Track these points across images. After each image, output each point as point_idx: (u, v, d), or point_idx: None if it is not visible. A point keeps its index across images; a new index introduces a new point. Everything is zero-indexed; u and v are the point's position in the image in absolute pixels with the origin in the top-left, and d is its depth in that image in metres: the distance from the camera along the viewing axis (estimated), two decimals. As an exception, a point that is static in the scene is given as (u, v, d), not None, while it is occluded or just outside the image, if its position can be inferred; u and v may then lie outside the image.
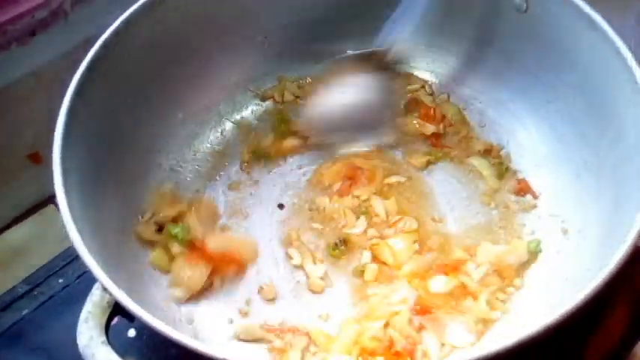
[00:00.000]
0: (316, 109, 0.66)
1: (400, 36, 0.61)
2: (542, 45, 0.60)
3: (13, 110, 0.72)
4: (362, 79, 0.64)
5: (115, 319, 0.49)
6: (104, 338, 0.45)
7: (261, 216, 0.65)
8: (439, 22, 0.66)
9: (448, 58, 0.69)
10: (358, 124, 0.65)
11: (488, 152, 0.66)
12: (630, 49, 0.52)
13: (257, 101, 0.72)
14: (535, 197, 0.62)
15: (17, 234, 0.75)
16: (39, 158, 0.75)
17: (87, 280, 0.49)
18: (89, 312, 0.46)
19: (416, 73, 0.71)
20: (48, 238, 0.73)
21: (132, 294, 0.45)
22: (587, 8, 0.55)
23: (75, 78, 0.54)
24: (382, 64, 0.63)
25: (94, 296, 0.47)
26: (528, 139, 0.65)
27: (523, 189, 0.63)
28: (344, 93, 0.64)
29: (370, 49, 0.63)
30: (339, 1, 0.68)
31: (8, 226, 0.76)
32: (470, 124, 0.68)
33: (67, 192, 0.49)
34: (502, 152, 0.66)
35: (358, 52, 0.64)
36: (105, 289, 0.44)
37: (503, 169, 0.65)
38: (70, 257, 0.67)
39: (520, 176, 0.64)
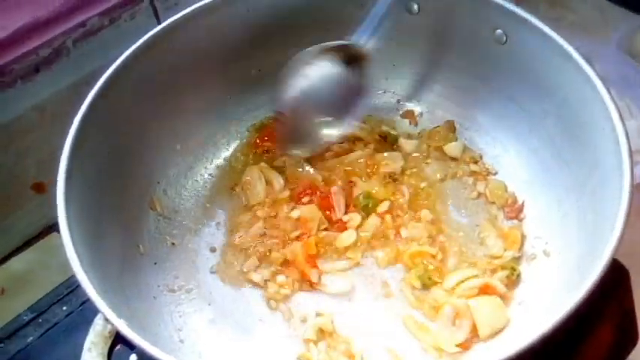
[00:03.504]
0: (291, 90, 0.63)
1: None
2: (521, 75, 0.62)
3: (18, 142, 0.74)
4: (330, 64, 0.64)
5: (118, 346, 0.50)
6: (106, 366, 0.47)
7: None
8: (426, 52, 0.70)
9: (434, 86, 0.72)
10: (333, 103, 0.64)
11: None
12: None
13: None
14: (520, 220, 0.64)
15: (21, 262, 0.77)
16: (43, 188, 0.77)
17: (90, 307, 0.49)
18: (92, 342, 0.48)
19: (404, 103, 0.74)
20: (51, 266, 0.74)
21: (133, 322, 0.46)
22: (561, 41, 0.57)
23: (78, 115, 0.56)
24: (351, 58, 0.63)
25: (97, 326, 0.48)
26: (511, 164, 0.67)
27: (511, 212, 0.65)
28: (313, 74, 0.63)
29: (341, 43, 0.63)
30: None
31: (13, 254, 0.77)
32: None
33: (69, 222, 0.50)
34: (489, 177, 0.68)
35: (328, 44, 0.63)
36: (106, 319, 0.45)
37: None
38: (74, 285, 0.68)
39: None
